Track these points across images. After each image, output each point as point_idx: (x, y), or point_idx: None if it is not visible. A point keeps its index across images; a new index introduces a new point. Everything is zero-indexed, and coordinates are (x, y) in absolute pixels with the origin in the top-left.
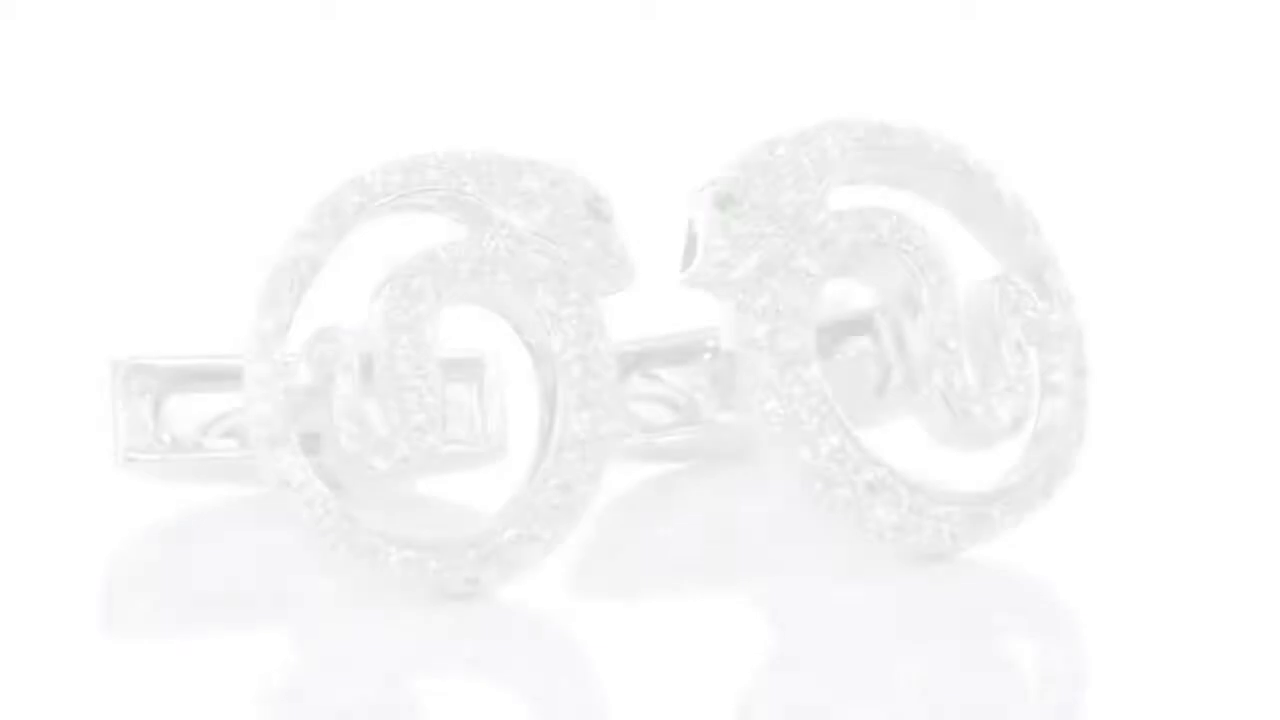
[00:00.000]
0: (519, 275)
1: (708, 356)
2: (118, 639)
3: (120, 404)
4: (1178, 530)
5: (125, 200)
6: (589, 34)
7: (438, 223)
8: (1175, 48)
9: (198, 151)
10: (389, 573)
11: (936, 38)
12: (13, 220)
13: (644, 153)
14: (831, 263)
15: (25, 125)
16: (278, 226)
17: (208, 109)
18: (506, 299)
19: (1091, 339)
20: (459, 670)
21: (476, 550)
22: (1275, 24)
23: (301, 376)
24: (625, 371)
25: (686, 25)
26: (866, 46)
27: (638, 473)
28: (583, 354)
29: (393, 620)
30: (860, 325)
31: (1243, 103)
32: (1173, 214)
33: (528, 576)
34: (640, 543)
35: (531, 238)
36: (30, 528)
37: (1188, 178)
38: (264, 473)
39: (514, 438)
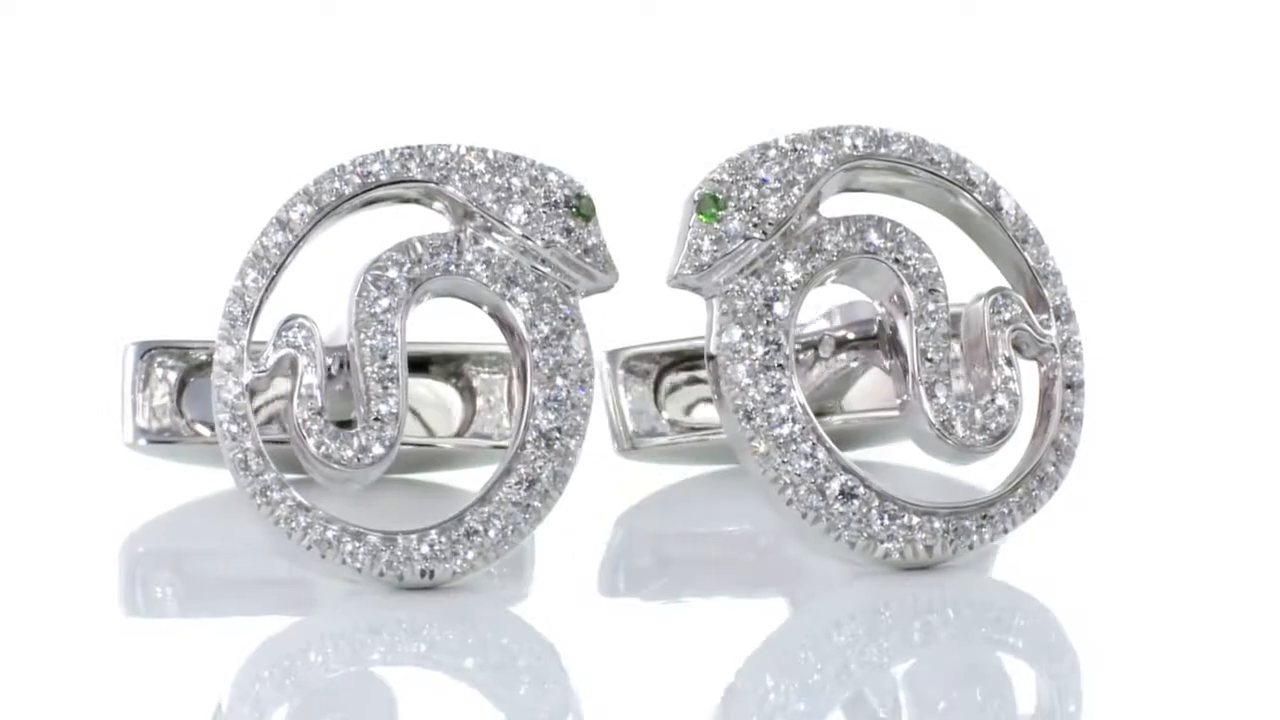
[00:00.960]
0: (495, 270)
1: None
2: (139, 620)
3: (140, 385)
4: (1166, 544)
5: (148, 188)
6: (590, 35)
7: (421, 214)
8: (1177, 60)
9: (216, 142)
10: (342, 563)
11: (944, 45)
12: (37, 205)
13: (651, 155)
14: (817, 269)
15: (47, 117)
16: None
17: (228, 102)
18: (480, 291)
19: (1090, 354)
20: (453, 664)
21: (432, 543)
22: (1275, 28)
23: (268, 363)
24: (664, 371)
25: (690, 27)
26: (874, 53)
27: (685, 473)
28: (552, 352)
29: (400, 609)
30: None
31: (1247, 106)
32: (1177, 227)
33: (484, 572)
34: (665, 544)
35: (509, 233)
36: (51, 510)
37: (1193, 190)
38: (224, 457)
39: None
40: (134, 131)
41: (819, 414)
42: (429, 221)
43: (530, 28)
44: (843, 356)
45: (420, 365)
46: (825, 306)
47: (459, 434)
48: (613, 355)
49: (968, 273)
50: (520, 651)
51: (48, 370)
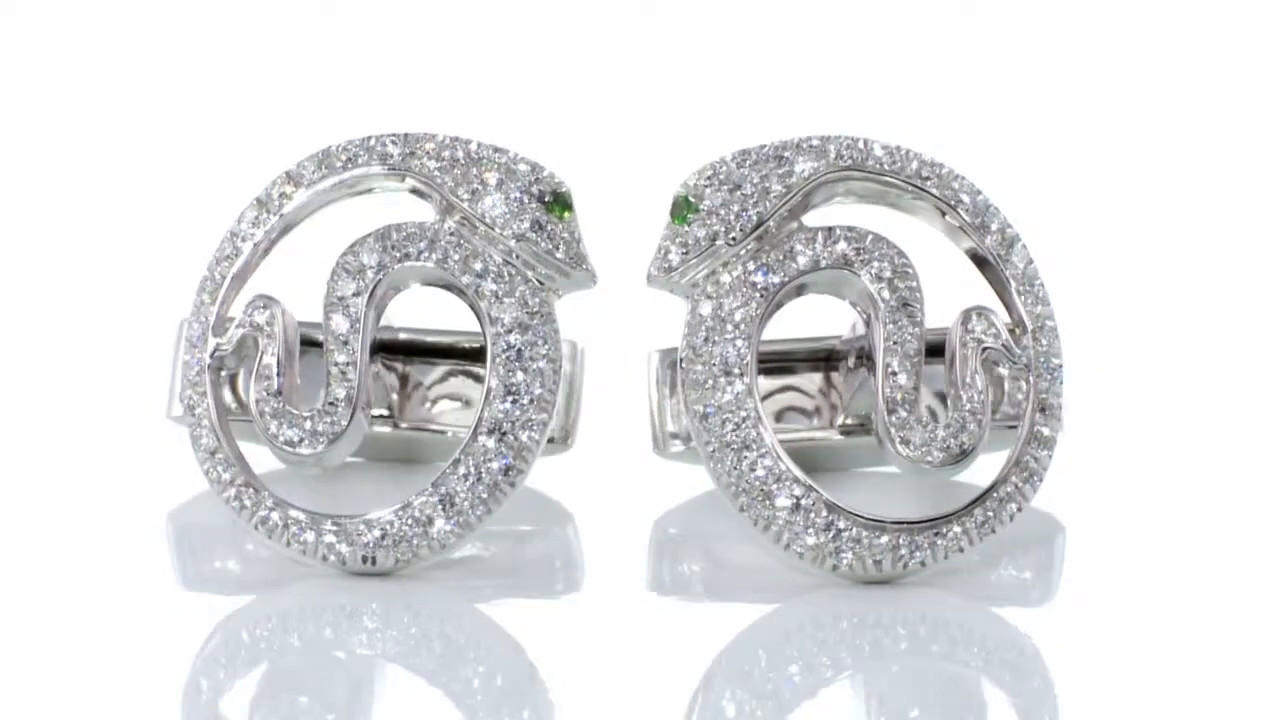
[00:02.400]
0: (468, 262)
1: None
2: (194, 593)
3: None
4: (1142, 566)
5: (201, 171)
6: (602, 37)
7: (406, 202)
8: (1177, 64)
9: (273, 128)
10: (287, 544)
11: (944, 48)
12: (93, 180)
13: (679, 157)
14: (789, 278)
15: (104, 104)
16: None
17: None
18: (454, 279)
19: (1067, 374)
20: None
21: (371, 528)
22: (1274, 32)
23: (231, 341)
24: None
25: (698, 27)
26: (876, 56)
27: None
28: (513, 345)
29: (370, 595)
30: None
31: (1247, 111)
32: (1176, 234)
33: (434, 562)
34: (691, 546)
35: (482, 224)
36: (95, 484)
37: (1193, 196)
38: (188, 431)
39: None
40: (190, 120)
41: (860, 427)
42: (421, 210)
43: (536, 29)
44: (863, 370)
45: (478, 356)
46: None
47: None
48: (665, 355)
49: (969, 291)
50: (469, 645)
51: (95, 345)
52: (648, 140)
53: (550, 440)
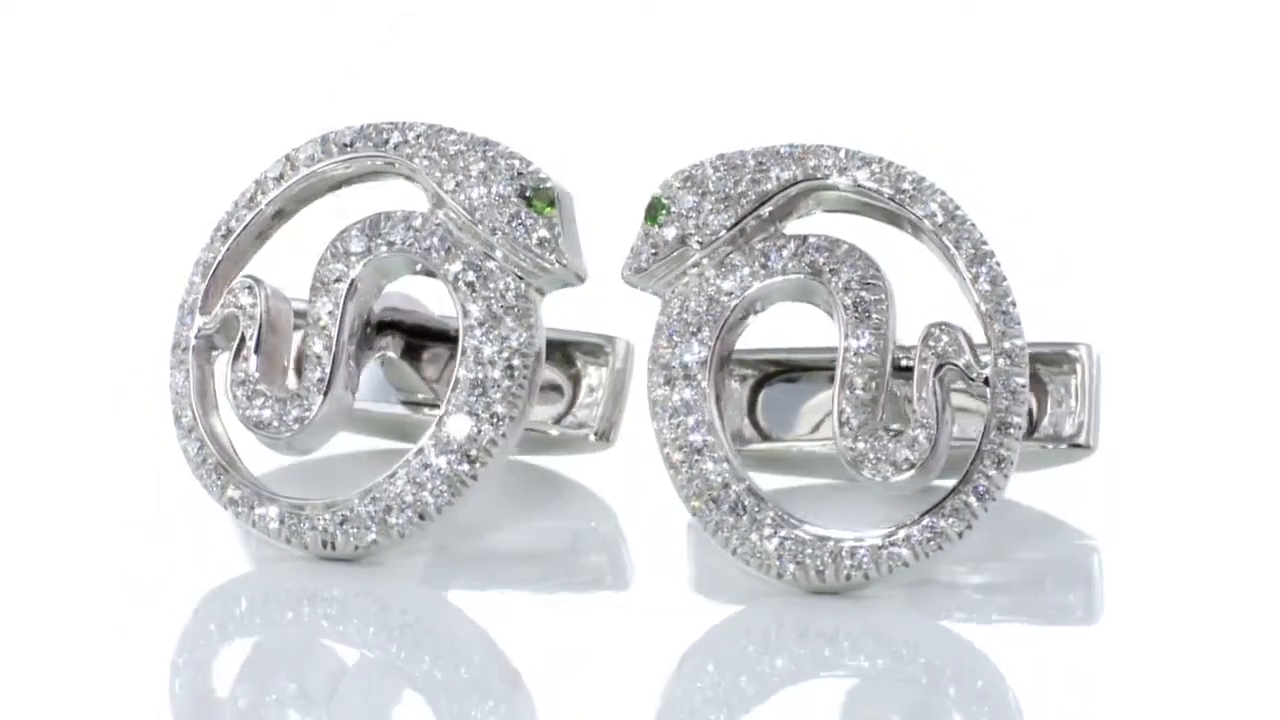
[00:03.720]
0: (452, 252)
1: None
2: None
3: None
4: (1115, 583)
5: (189, 160)
6: (604, 39)
7: (406, 190)
8: (1177, 66)
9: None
10: (252, 525)
11: (944, 49)
12: (84, 177)
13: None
14: (758, 283)
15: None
16: None
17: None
18: (436, 268)
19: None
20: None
21: (332, 513)
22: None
23: (215, 321)
24: (764, 379)
25: (706, 30)
26: (881, 57)
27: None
28: (485, 337)
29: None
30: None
31: (1247, 113)
32: (1177, 238)
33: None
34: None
35: (464, 215)
36: (152, 469)
37: (1194, 199)
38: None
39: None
40: (192, 113)
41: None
42: (418, 199)
43: (544, 28)
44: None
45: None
46: None
47: (558, 421)
48: None
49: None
50: (429, 635)
51: (94, 342)
52: (672, 139)
53: (593, 437)
